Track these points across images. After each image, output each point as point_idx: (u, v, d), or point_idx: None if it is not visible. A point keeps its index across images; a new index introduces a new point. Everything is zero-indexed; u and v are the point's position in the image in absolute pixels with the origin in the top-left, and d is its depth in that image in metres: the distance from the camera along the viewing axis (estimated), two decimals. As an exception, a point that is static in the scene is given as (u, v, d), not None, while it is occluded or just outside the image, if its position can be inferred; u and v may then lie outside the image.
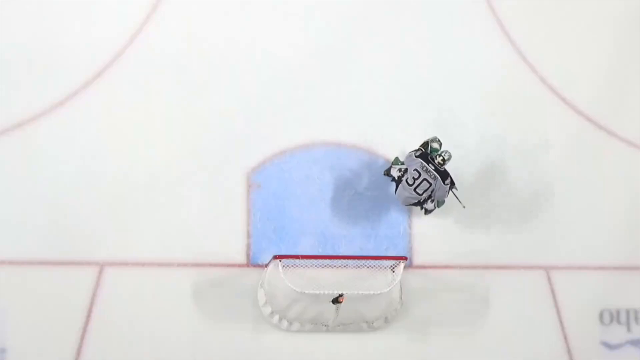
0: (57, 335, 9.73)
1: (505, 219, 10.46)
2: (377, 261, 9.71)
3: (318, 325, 9.93)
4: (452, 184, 9.89)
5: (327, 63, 10.81)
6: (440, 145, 9.98)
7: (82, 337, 9.76)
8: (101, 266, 9.94)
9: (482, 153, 10.63)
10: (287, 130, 10.54)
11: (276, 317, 9.88)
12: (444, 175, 9.83)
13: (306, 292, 9.43)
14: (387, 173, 10.17)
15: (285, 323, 9.90)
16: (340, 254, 10.07)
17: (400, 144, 10.59)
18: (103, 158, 10.20)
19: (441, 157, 9.82)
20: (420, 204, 9.92)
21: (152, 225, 10.10)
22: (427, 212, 10.06)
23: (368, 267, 9.67)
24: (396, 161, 10.18)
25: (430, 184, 9.78)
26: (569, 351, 10.20)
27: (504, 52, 11.12)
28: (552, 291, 10.33)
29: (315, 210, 10.27)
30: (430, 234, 10.34)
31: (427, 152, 9.90)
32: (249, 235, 10.21)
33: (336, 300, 9.40)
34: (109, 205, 10.09)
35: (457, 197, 10.01)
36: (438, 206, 9.99)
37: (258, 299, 9.94)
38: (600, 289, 10.38)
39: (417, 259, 10.28)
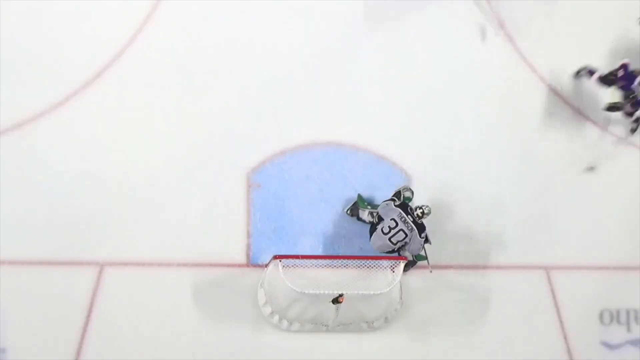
0: (57, 335, 9.74)
1: (505, 219, 10.46)
2: (377, 261, 9.70)
3: (318, 325, 9.93)
4: (427, 239, 9.86)
5: (327, 63, 10.81)
6: (413, 194, 9.99)
7: (82, 337, 9.76)
8: (101, 266, 9.94)
9: (481, 153, 10.63)
10: (287, 130, 10.55)
11: (276, 317, 9.89)
12: (421, 228, 9.81)
13: (306, 292, 9.44)
14: (352, 213, 10.14)
15: (285, 323, 9.90)
16: (340, 254, 10.07)
17: (399, 144, 10.61)
18: (103, 158, 10.20)
19: (421, 210, 9.80)
20: (396, 252, 9.86)
21: (152, 225, 10.10)
22: (406, 267, 9.84)
23: (368, 267, 9.67)
24: (362, 201, 10.15)
25: (406, 235, 9.75)
26: (569, 351, 10.20)
27: (504, 52, 11.13)
28: (552, 291, 10.33)
29: (315, 210, 10.27)
30: (430, 234, 10.33)
31: (406, 203, 9.87)
32: (249, 235, 10.22)
33: (336, 300, 9.40)
34: (109, 205, 10.10)
35: (426, 258, 9.95)
36: (417, 259, 9.96)
37: (258, 299, 9.95)
38: (600, 289, 10.39)
39: (417, 259, 10.29)
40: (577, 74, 10.75)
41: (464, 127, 10.76)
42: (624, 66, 10.27)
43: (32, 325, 9.72)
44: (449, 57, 10.99)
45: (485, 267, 10.33)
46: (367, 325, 10.00)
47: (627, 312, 10.38)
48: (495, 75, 10.99)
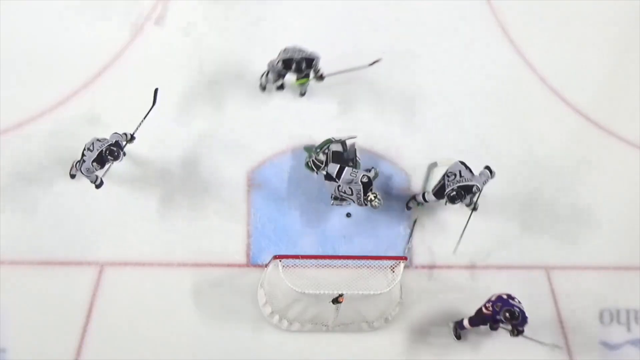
0: (57, 335, 9.74)
1: (505, 219, 10.46)
2: (377, 261, 9.70)
3: (318, 325, 9.93)
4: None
5: (327, 63, 10.79)
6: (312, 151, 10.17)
7: (82, 337, 9.76)
8: (101, 266, 9.94)
9: (482, 153, 10.62)
10: (287, 130, 10.55)
11: (276, 317, 9.89)
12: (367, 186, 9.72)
13: (306, 292, 9.43)
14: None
15: (285, 323, 9.90)
16: (340, 254, 10.07)
17: (399, 144, 10.61)
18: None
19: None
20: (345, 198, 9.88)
21: (152, 225, 10.10)
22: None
23: (368, 267, 9.66)
24: (309, 150, 10.20)
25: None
26: (569, 351, 10.20)
27: (504, 52, 11.13)
28: (552, 291, 10.33)
29: (315, 210, 10.27)
30: (430, 234, 10.34)
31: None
32: (249, 235, 10.22)
33: (336, 300, 9.39)
34: (109, 205, 10.09)
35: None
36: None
37: (258, 299, 9.94)
38: (600, 289, 10.38)
39: (417, 259, 10.29)
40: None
41: (464, 127, 10.76)
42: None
43: (32, 325, 9.72)
44: (449, 57, 11.01)
45: (485, 267, 10.33)
46: (367, 325, 10.00)
47: (627, 312, 10.37)
48: (495, 75, 11.00)
